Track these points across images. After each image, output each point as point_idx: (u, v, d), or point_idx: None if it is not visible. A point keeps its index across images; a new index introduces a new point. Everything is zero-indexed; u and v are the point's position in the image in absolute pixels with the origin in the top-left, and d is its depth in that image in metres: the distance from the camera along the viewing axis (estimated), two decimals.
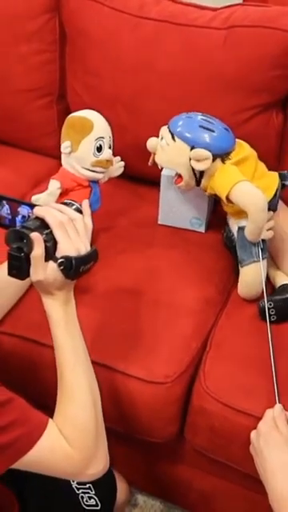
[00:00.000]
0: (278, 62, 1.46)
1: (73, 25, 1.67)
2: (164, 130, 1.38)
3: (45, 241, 0.97)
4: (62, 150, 1.37)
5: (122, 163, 1.49)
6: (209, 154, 1.31)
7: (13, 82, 1.77)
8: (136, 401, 1.27)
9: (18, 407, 0.97)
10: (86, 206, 1.08)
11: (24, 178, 1.76)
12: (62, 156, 1.40)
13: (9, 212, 1.08)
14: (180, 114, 1.40)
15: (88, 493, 1.25)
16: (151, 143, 1.42)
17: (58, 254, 0.99)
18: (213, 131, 1.34)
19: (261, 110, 1.52)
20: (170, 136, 1.36)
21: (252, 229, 1.32)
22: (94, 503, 1.25)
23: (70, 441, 0.98)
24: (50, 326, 1.02)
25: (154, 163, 1.45)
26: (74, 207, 1.06)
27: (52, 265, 0.98)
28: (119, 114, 1.61)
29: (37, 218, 1.00)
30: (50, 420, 0.99)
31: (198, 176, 1.37)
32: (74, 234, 1.00)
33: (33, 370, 1.30)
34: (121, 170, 1.49)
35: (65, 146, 1.36)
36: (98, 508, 1.25)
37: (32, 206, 1.04)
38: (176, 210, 1.55)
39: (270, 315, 1.30)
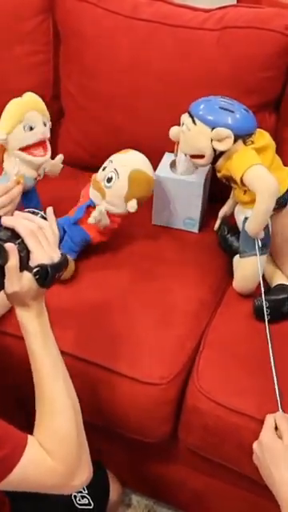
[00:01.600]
0: (270, 63, 1.47)
1: (67, 26, 1.67)
2: (185, 116, 1.35)
3: (18, 251, 0.95)
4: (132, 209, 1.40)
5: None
6: (230, 133, 1.28)
7: (6, 83, 1.76)
8: (130, 401, 1.27)
9: None
10: (50, 213, 1.05)
11: None
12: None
13: None
14: (198, 99, 1.36)
15: (81, 492, 1.25)
16: (173, 131, 1.38)
17: (32, 263, 0.97)
18: (233, 112, 1.32)
19: (254, 110, 1.51)
20: (190, 120, 1.33)
21: (255, 217, 1.29)
22: (87, 502, 1.25)
23: (52, 454, 0.98)
24: (25, 339, 1.01)
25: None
26: (38, 215, 1.04)
27: (27, 275, 0.96)
28: (114, 115, 1.61)
29: (6, 228, 0.98)
30: (30, 436, 0.98)
31: (217, 155, 1.34)
32: (45, 242, 0.99)
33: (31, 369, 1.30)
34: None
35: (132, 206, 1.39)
36: (91, 507, 1.25)
37: None
38: (169, 210, 1.56)
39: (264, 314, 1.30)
